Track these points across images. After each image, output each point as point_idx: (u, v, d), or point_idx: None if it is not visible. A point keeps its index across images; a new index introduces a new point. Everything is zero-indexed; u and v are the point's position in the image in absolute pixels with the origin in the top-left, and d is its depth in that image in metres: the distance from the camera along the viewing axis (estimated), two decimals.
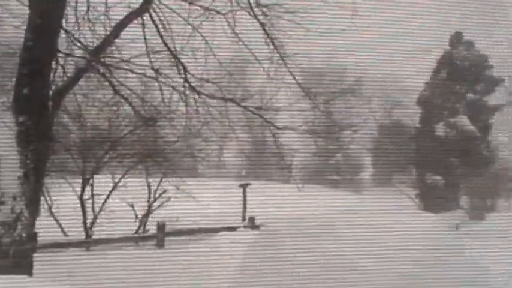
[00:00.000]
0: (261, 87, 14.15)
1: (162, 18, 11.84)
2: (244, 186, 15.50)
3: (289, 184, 14.17)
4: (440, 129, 19.74)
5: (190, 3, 11.96)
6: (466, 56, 19.53)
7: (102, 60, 11.47)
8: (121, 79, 11.96)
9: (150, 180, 15.30)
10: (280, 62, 12.47)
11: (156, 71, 12.02)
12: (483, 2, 14.06)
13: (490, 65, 19.35)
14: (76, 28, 11.33)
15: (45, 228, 11.97)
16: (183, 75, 12.00)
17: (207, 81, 12.31)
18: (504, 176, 19.33)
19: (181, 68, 11.98)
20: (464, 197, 19.19)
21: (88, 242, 14.28)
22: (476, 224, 17.53)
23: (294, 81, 12.71)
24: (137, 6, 11.48)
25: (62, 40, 11.10)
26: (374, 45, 13.51)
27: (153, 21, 11.80)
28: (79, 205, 14.61)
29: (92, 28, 11.44)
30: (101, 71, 11.65)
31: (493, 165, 19.42)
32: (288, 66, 12.46)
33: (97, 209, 14.80)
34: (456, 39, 19.10)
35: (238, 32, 12.23)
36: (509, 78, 19.08)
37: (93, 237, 14.56)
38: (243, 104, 12.86)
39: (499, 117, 19.53)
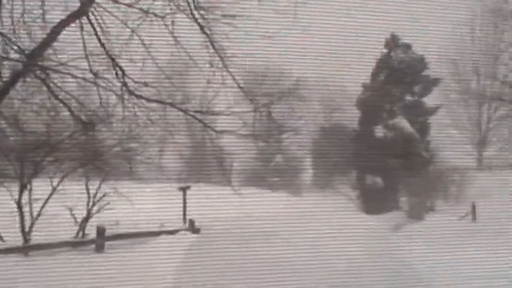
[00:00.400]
0: (201, 90, 14.22)
1: (100, 21, 11.80)
2: (184, 190, 15.53)
3: (229, 187, 14.23)
4: (379, 131, 20.03)
5: (128, 6, 11.94)
6: (403, 58, 19.85)
7: (40, 63, 11.38)
8: (59, 83, 11.87)
9: (89, 184, 15.21)
10: (220, 65, 12.53)
11: (95, 74, 11.96)
12: (418, 4, 14.37)
13: (427, 66, 19.69)
14: (12, 31, 11.21)
15: None
16: (121, 79, 11.97)
17: (146, 84, 12.29)
18: (443, 176, 19.69)
19: (119, 71, 11.96)
20: (404, 198, 19.49)
21: (27, 248, 14.16)
22: (415, 224, 17.87)
23: (235, 84, 12.80)
24: (75, 9, 11.43)
25: None
26: (313, 48, 13.71)
27: (91, 24, 11.74)
28: (16, 210, 14.45)
29: (29, 31, 11.34)
30: (39, 74, 11.56)
31: (431, 166, 19.76)
32: (228, 69, 12.53)
33: (35, 214, 14.66)
34: (393, 41, 19.39)
35: (177, 35, 12.25)
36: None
37: (32, 242, 14.43)
38: (182, 107, 12.89)
39: (437, 118, 19.87)
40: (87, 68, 11.87)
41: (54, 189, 14.62)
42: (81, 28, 11.69)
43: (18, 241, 14.35)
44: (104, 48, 11.88)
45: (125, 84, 12.03)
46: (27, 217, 14.64)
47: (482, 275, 13.60)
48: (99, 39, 11.81)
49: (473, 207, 18.31)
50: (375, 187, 19.30)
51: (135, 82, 12.12)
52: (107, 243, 14.73)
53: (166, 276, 11.76)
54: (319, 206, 14.95)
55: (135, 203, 13.37)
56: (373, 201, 18.99)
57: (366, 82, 19.58)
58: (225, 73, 12.57)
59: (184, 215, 15.71)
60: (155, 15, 12.06)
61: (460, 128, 20.38)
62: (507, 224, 16.34)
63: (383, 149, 18.89)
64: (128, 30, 11.90)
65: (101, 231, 14.69)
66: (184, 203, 15.56)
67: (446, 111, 19.91)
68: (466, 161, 19.78)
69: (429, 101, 20.44)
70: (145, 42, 12.05)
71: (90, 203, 15.26)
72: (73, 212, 15.02)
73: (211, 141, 13.68)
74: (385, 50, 19.67)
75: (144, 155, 15.08)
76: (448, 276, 13.33)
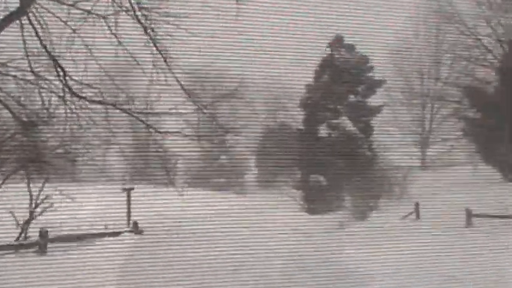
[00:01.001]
0: (144, 91, 14.27)
1: (41, 21, 11.80)
2: (127, 191, 15.54)
3: (174, 188, 14.31)
4: (323, 131, 20.25)
5: (70, 6, 11.96)
6: (347, 59, 20.08)
7: None
8: None
9: (31, 186, 15.11)
10: (163, 65, 12.61)
11: (36, 74, 11.95)
12: (363, 4, 14.62)
13: (371, 66, 19.95)
14: None
15: None
16: (63, 80, 11.98)
17: (87, 85, 12.32)
18: (386, 176, 19.98)
19: (61, 72, 11.96)
20: (348, 198, 19.73)
21: None
22: (358, 224, 18.13)
23: (178, 85, 12.89)
24: (15, 9, 11.41)
25: None
26: (257, 48, 13.83)
27: (32, 24, 11.74)
28: None
29: None
30: None
31: (375, 165, 20.03)
32: (171, 69, 12.62)
33: None
34: (337, 42, 19.60)
35: (120, 35, 12.31)
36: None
37: None
38: (124, 108, 12.94)
39: (381, 118, 20.16)
40: (28, 68, 11.87)
41: None
42: (22, 28, 11.67)
43: None
44: (45, 48, 11.88)
45: (66, 85, 12.04)
46: None
47: (426, 273, 13.93)
48: (40, 40, 11.81)
49: (417, 206, 18.65)
50: (319, 187, 19.52)
51: (77, 83, 12.14)
52: (50, 245, 14.66)
53: (109, 278, 11.80)
54: (263, 206, 15.12)
55: (79, 205, 13.34)
56: (317, 201, 19.21)
57: (310, 82, 19.77)
58: (168, 73, 12.66)
59: (128, 216, 15.72)
60: (97, 15, 12.10)
61: (403, 128, 20.73)
62: (450, 222, 16.74)
63: (327, 148, 19.11)
64: (69, 30, 11.93)
65: (43, 233, 14.62)
66: (128, 204, 15.56)
67: (390, 111, 20.23)
68: (409, 161, 20.14)
69: (373, 101, 20.73)
70: (88, 42, 12.09)
71: (33, 205, 15.17)
72: (15, 215, 14.91)
73: (155, 142, 13.76)
74: (328, 50, 19.88)
75: (87, 157, 15.05)
76: (391, 275, 13.61)
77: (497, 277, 14.26)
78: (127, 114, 13.11)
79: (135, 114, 12.97)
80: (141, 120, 13.02)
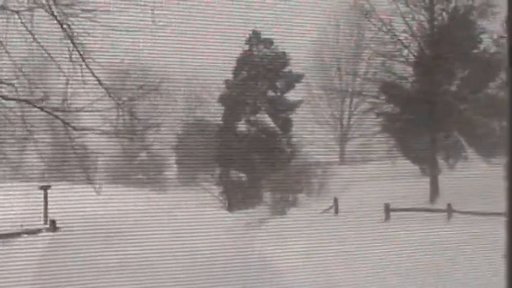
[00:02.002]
0: (61, 87, 14.23)
1: None
2: (45, 189, 15.46)
3: (92, 185, 14.32)
4: (242, 127, 20.42)
5: None
6: (266, 54, 20.27)
7: None
8: None
9: None
10: (80, 61, 12.62)
11: None
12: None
13: (289, 61, 20.19)
14: None
15: None
16: None
17: (1, 82, 12.25)
18: (305, 171, 20.31)
19: None
20: (267, 193, 19.97)
21: None
22: (278, 219, 18.39)
23: (96, 81, 12.92)
24: None
25: None
26: (176, 44, 13.93)
27: None
28: None
29: None
30: None
31: (294, 160, 20.32)
32: (89, 65, 12.64)
33: None
34: (254, 37, 19.76)
35: (36, 30, 12.27)
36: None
37: None
38: (39, 105, 12.89)
39: (300, 114, 20.42)
40: None
41: None
42: None
43: None
44: None
45: None
46: None
47: (345, 268, 14.29)
48: None
49: (336, 200, 19.01)
50: (239, 183, 19.70)
51: None
52: None
53: (26, 277, 11.77)
54: (182, 202, 15.24)
55: None
56: (237, 197, 19.41)
57: (229, 78, 19.91)
58: (85, 69, 12.68)
59: (46, 214, 15.64)
60: (11, 10, 12.03)
61: (322, 123, 21.08)
62: (369, 216, 17.15)
63: (246, 144, 19.30)
64: None
65: None
66: (46, 202, 15.49)
67: (309, 106, 20.53)
68: (328, 156, 20.54)
69: (292, 96, 20.99)
70: (1, 38, 12.01)
71: None
72: None
73: (72, 140, 13.74)
74: (246, 46, 20.04)
75: (2, 154, 14.92)
76: (310, 270, 13.92)
77: (412, 270, 14.73)
78: (43, 111, 13.06)
79: (51, 112, 12.93)
80: (58, 118, 12.99)
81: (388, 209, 18.67)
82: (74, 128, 13.41)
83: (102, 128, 13.97)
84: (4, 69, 12.43)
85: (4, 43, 12.06)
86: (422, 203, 19.33)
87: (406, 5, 20.31)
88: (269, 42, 20.04)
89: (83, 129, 13.50)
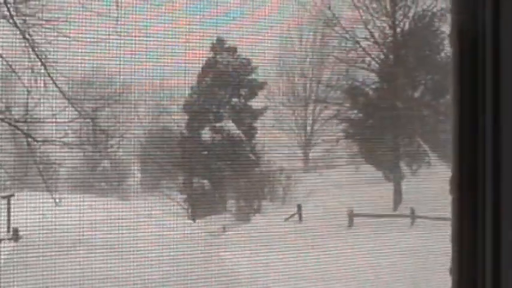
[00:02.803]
0: (22, 98, 14.29)
1: None
2: (8, 198, 15.49)
3: (55, 194, 14.39)
4: (206, 134, 20.55)
5: None
6: (230, 61, 20.43)
7: None
8: None
9: None
10: (42, 71, 12.69)
11: None
12: (245, 7, 15.06)
13: (253, 69, 20.38)
14: None
15: None
16: None
17: None
18: (269, 178, 20.49)
19: None
20: (231, 201, 20.12)
21: None
22: (242, 226, 18.55)
23: (58, 91, 13.00)
24: None
25: None
26: (140, 51, 14.06)
27: None
28: None
29: None
30: None
31: (258, 167, 20.49)
32: (51, 75, 12.71)
33: None
34: (218, 45, 19.91)
35: None
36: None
37: None
38: (1, 116, 12.94)
39: (264, 121, 20.61)
40: None
41: None
42: None
43: None
44: None
45: None
46: None
47: (308, 275, 14.49)
48: None
49: (299, 207, 19.21)
50: (203, 190, 19.83)
51: None
52: None
53: None
54: (145, 211, 15.34)
55: None
56: (201, 205, 19.55)
57: (193, 85, 20.04)
58: (47, 79, 12.76)
59: (9, 223, 15.68)
60: None
61: (286, 130, 21.26)
62: (332, 223, 17.36)
63: (210, 151, 19.45)
64: None
65: None
66: (8, 211, 15.52)
67: (273, 113, 20.72)
68: (292, 163, 20.74)
69: (256, 103, 21.17)
70: None
71: None
72: None
73: (34, 150, 13.81)
74: (211, 54, 20.19)
75: None
76: (273, 278, 14.10)
77: (375, 276, 14.97)
78: (4, 123, 13.13)
79: (14, 123, 13.01)
80: (19, 129, 13.07)
81: (351, 215, 18.90)
82: (35, 140, 13.48)
83: (64, 139, 14.05)
84: None
85: None
86: (385, 209, 19.60)
87: (367, 12, 20.60)
88: (233, 49, 20.18)
89: (45, 140, 13.57)
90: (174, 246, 13.34)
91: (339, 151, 20.89)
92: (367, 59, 21.10)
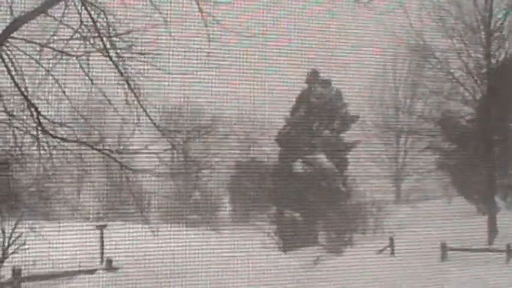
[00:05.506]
0: (117, 129, 14.48)
1: (14, 60, 12.01)
2: (101, 228, 15.66)
3: (148, 225, 14.46)
4: (298, 166, 20.43)
5: (42, 46, 12.18)
6: (323, 94, 20.33)
7: None
8: None
9: (4, 224, 15.18)
10: (135, 103, 12.82)
11: (8, 113, 12.15)
12: (340, 39, 14.93)
13: (345, 102, 20.24)
14: None
15: None
16: (36, 119, 12.17)
17: (60, 124, 12.52)
18: (361, 210, 20.21)
19: (33, 111, 12.15)
20: (322, 233, 19.90)
21: None
22: (333, 259, 18.27)
23: (151, 122, 13.10)
24: None
25: None
26: (231, 83, 14.06)
27: (4, 63, 11.94)
28: None
29: None
30: None
31: (349, 200, 20.25)
32: (144, 107, 12.83)
33: None
34: (313, 77, 19.83)
35: (92, 74, 12.53)
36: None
37: None
38: (97, 147, 13.12)
39: (355, 152, 20.37)
40: (1, 108, 12.07)
41: None
42: None
43: None
44: (18, 87, 12.07)
45: (39, 123, 12.22)
46: None
47: None
48: (12, 79, 12.01)
49: (391, 240, 18.83)
50: (294, 222, 19.67)
51: (50, 122, 12.33)
52: (24, 284, 14.71)
53: None
54: (237, 242, 15.27)
55: (52, 243, 13.43)
56: (292, 237, 19.36)
57: (286, 117, 19.99)
58: (140, 111, 12.87)
59: (102, 253, 15.83)
60: (70, 55, 12.32)
61: (377, 162, 20.96)
62: (425, 256, 16.93)
63: (301, 183, 19.29)
64: (41, 69, 12.16)
65: (16, 272, 14.67)
66: (102, 241, 15.69)
67: (364, 145, 20.44)
68: (383, 195, 20.40)
69: (347, 136, 20.99)
70: (61, 82, 12.30)
71: (5, 244, 15.23)
72: None
73: (128, 180, 13.93)
74: (305, 86, 20.13)
75: (60, 195, 15.17)
76: None
77: None
78: (100, 153, 13.29)
79: (108, 154, 13.15)
80: (114, 159, 13.20)
81: (445, 249, 18.42)
82: (130, 169, 13.60)
83: (157, 170, 14.14)
84: (63, 112, 12.70)
85: (63, 86, 12.33)
86: (479, 243, 19.02)
87: (461, 42, 20.17)
88: (327, 82, 20.08)
89: (138, 170, 13.68)
90: (266, 278, 13.21)
91: (431, 183, 20.48)
92: (461, 89, 20.68)
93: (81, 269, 15.02)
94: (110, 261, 15.60)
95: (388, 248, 18.90)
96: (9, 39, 11.96)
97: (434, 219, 17.88)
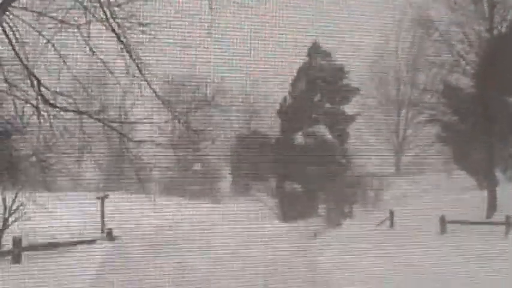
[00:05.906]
0: (118, 99, 14.42)
1: (15, 30, 11.94)
2: (101, 199, 15.66)
3: (148, 196, 14.43)
4: (299, 138, 20.39)
5: (43, 15, 12.09)
6: (323, 66, 20.21)
7: None
8: None
9: (4, 194, 15.18)
10: (137, 73, 12.75)
11: (9, 83, 12.09)
12: (340, 13, 14.82)
13: (346, 75, 20.13)
14: None
15: None
16: (37, 88, 12.11)
17: (61, 94, 12.47)
18: (361, 183, 20.20)
19: (34, 80, 12.09)
20: (322, 205, 19.90)
21: None
22: (333, 231, 18.31)
23: (152, 93, 13.04)
24: None
25: None
26: (232, 56, 13.97)
27: (5, 33, 11.88)
28: None
29: None
30: None
31: (349, 172, 20.21)
32: (145, 77, 12.76)
33: None
34: (314, 49, 19.69)
35: (93, 44, 12.46)
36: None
37: None
38: (97, 117, 13.07)
39: (356, 125, 20.31)
40: (1, 77, 12.01)
41: None
42: None
43: None
44: (19, 57, 12.01)
45: (40, 94, 12.17)
46: None
47: (399, 281, 14.14)
48: (13, 49, 11.94)
49: (391, 213, 18.83)
50: (294, 194, 19.66)
51: (51, 92, 12.28)
52: (25, 253, 14.73)
53: (84, 286, 11.92)
54: (237, 213, 15.27)
55: (53, 213, 13.44)
56: (292, 208, 19.37)
57: (287, 90, 19.91)
58: (142, 82, 12.81)
59: (103, 224, 15.85)
60: (71, 24, 12.24)
61: (378, 135, 20.87)
62: (424, 229, 16.93)
63: (302, 156, 19.25)
64: (42, 39, 12.08)
65: (17, 241, 14.69)
66: (102, 212, 15.70)
67: (365, 118, 20.37)
68: (384, 167, 20.35)
69: (348, 108, 20.90)
70: (61, 51, 12.23)
71: (6, 214, 15.24)
72: None
73: (129, 151, 13.88)
74: (306, 58, 20.01)
75: (60, 165, 15.13)
76: (365, 283, 13.80)
77: (471, 284, 14.49)
78: (101, 123, 13.24)
79: (109, 124, 13.11)
80: (115, 129, 13.16)
81: (444, 222, 18.42)
82: (131, 140, 13.56)
83: (158, 140, 14.10)
84: (63, 82, 12.63)
85: (64, 56, 12.26)
86: (479, 216, 19.02)
87: (464, 15, 20.01)
88: (327, 54, 19.94)
89: (140, 141, 13.64)
90: (265, 249, 13.19)
91: (431, 156, 20.43)
92: (462, 62, 20.55)
93: (81, 239, 15.03)
94: (110, 232, 15.63)
95: (388, 221, 18.88)
96: (10, 8, 11.88)
97: (434, 193, 17.88)
